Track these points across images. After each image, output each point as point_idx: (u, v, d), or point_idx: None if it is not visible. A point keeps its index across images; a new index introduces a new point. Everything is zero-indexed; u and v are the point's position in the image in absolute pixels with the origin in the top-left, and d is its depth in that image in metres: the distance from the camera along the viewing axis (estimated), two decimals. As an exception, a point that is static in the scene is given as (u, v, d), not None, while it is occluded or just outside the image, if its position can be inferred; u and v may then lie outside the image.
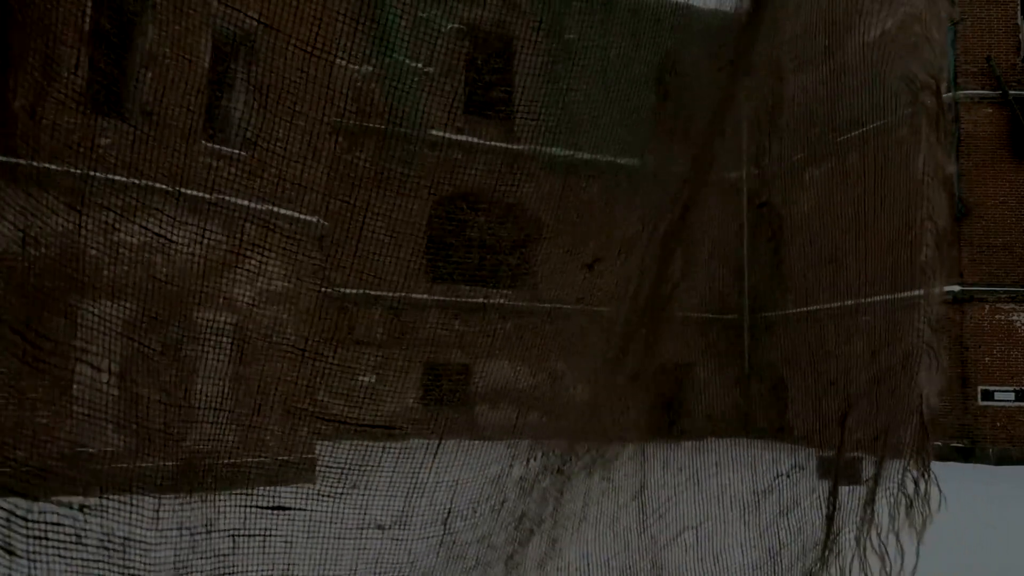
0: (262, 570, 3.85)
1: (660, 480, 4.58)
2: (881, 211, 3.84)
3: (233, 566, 3.80)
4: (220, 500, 3.92)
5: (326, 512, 4.01)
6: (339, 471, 4.19)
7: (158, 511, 3.55)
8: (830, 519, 3.86)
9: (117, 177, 3.80)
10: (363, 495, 4.14)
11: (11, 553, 2.81)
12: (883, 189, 3.81)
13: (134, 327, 3.73)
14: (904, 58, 3.34)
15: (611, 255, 4.31)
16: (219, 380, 4.36)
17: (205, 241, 3.86)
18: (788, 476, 4.20)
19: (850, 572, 3.62)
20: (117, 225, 3.46)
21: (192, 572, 3.65)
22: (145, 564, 3.43)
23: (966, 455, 18.36)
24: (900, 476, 3.53)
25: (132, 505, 3.42)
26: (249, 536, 3.89)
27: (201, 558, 3.70)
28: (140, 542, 3.38)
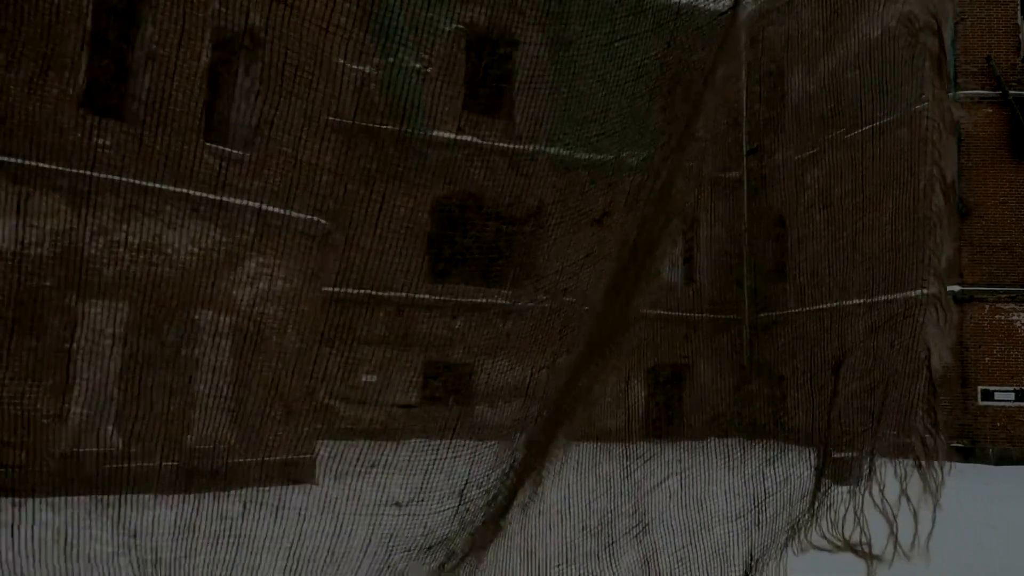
0: (272, 537, 3.85)
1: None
2: (888, 179, 3.72)
3: (240, 531, 3.80)
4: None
5: (342, 488, 4.05)
6: (357, 453, 4.21)
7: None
8: (819, 471, 3.82)
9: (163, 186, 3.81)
10: (383, 473, 4.17)
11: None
12: (889, 163, 3.72)
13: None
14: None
15: (618, 208, 4.28)
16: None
17: (222, 242, 3.87)
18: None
19: (843, 527, 3.55)
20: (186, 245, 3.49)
21: (195, 532, 3.65)
22: (144, 521, 3.45)
23: (966, 455, 18.37)
24: (905, 434, 3.41)
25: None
26: (260, 505, 3.91)
27: (206, 519, 3.71)
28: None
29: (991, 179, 19.52)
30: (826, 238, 4.36)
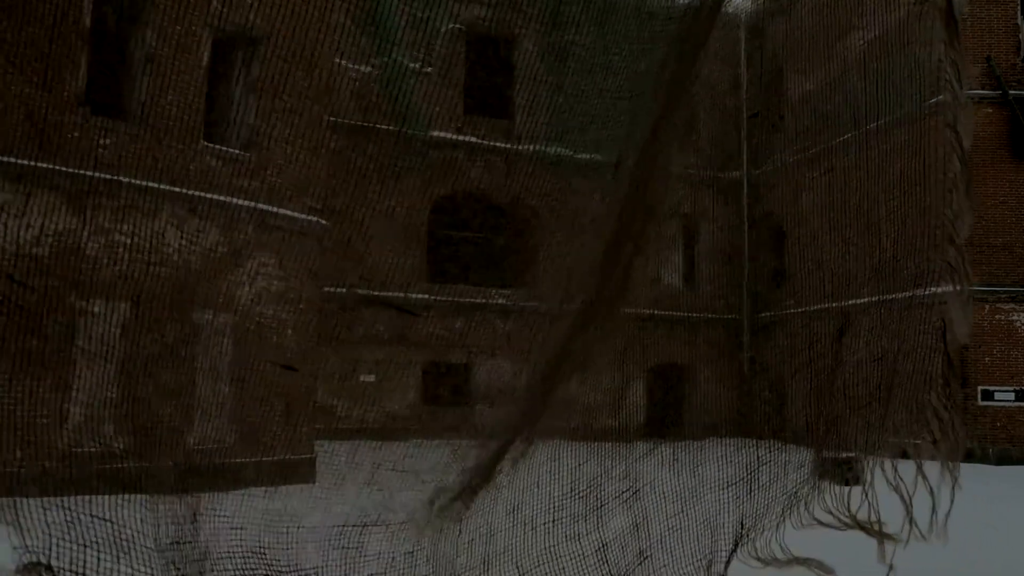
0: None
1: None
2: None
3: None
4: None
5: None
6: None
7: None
8: (821, 440, 3.73)
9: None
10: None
11: None
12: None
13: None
14: None
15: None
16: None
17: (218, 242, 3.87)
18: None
19: (847, 500, 3.44)
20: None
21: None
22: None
23: (966, 455, 18.33)
24: (919, 409, 3.21)
25: None
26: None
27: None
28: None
29: (991, 179, 19.50)
30: (829, 217, 4.22)
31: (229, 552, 3.55)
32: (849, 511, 3.41)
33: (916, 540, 3.19)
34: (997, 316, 19.27)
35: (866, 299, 3.65)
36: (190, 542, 3.37)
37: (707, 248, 20.37)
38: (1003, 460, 18.48)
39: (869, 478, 3.33)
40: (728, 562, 3.99)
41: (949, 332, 3.13)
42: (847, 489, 3.44)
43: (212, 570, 3.45)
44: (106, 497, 3.35)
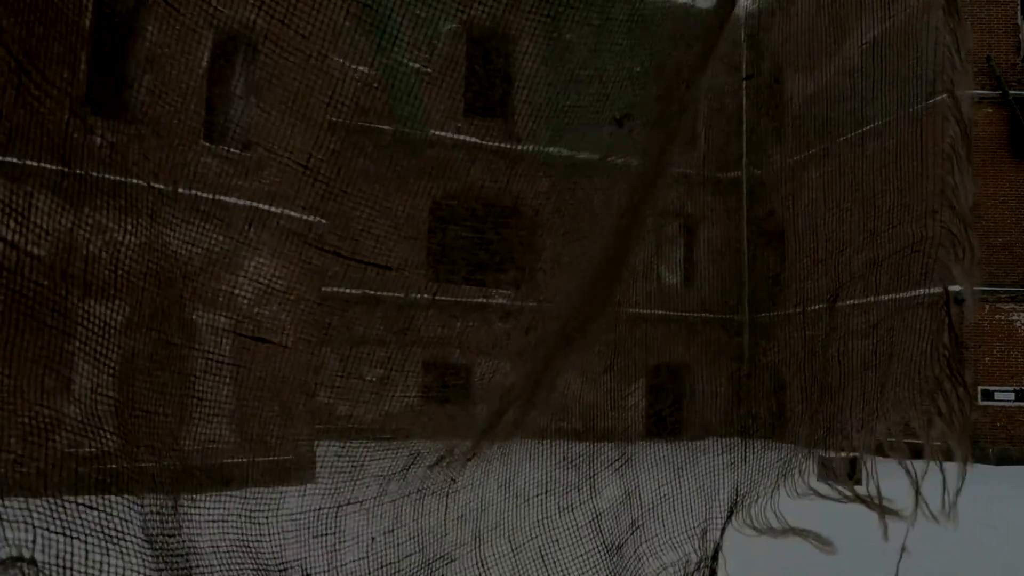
0: None
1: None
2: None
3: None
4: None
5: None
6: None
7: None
8: (816, 408, 3.64)
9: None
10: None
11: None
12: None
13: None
14: None
15: (640, 112, 4.13)
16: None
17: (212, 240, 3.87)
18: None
19: (846, 471, 3.33)
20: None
21: None
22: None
23: (966, 455, 18.33)
24: (921, 382, 3.06)
25: None
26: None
27: None
28: None
29: (991, 179, 19.52)
30: (824, 188, 4.12)
31: (213, 546, 3.47)
32: (848, 482, 3.28)
33: (924, 519, 2.99)
34: (997, 316, 19.28)
35: (861, 264, 3.55)
36: (174, 535, 3.29)
37: (707, 248, 20.37)
38: (1003, 460, 18.49)
39: (867, 446, 3.20)
40: (724, 529, 3.92)
41: (952, 303, 3.01)
42: (845, 458, 3.31)
43: (198, 565, 3.37)
44: (93, 491, 3.27)
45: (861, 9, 3.73)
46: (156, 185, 3.36)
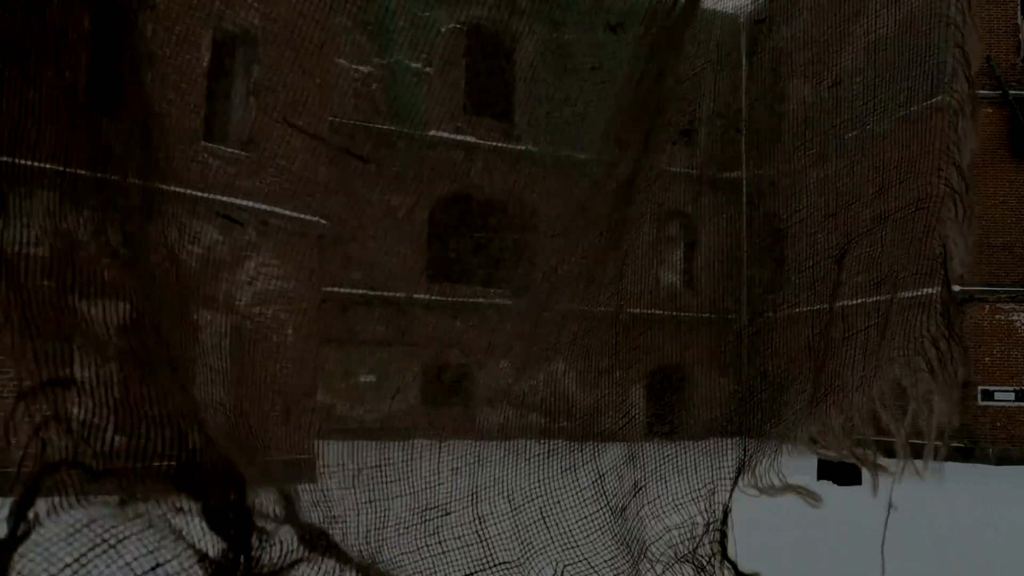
0: None
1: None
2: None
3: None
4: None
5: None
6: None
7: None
8: (819, 367, 3.55)
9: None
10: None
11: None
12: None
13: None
14: None
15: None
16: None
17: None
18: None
19: (838, 430, 3.29)
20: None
21: None
22: None
23: (966, 455, 18.36)
24: (917, 337, 3.02)
25: None
26: None
27: None
28: None
29: (991, 179, 19.51)
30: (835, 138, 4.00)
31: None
32: (846, 441, 3.25)
33: (911, 477, 2.99)
34: (997, 316, 19.28)
35: (869, 219, 3.51)
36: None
37: (707, 248, 20.38)
38: (1003, 460, 18.49)
39: (861, 404, 3.18)
40: (732, 491, 3.76)
41: (949, 259, 3.01)
42: (839, 421, 3.28)
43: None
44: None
45: None
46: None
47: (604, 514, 3.92)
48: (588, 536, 3.89)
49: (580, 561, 3.84)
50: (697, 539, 3.77)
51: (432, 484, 3.85)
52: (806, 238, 3.85)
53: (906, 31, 3.45)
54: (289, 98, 4.37)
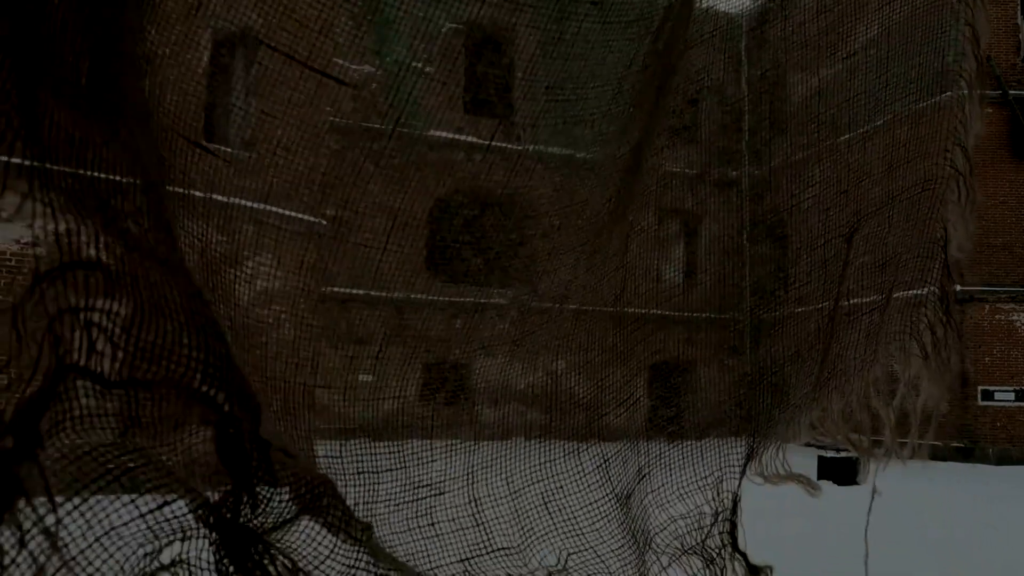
0: None
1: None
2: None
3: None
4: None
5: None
6: None
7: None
8: (825, 349, 3.51)
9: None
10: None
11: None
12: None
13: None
14: None
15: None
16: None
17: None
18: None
19: (838, 417, 3.27)
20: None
21: None
22: None
23: (966, 455, 18.36)
24: (913, 321, 3.00)
25: None
26: None
27: None
28: None
29: (991, 179, 19.52)
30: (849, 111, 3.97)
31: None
32: (841, 424, 3.22)
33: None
34: (997, 316, 19.29)
35: (879, 197, 3.49)
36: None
37: (708, 246, 20.38)
38: (1003, 460, 18.49)
39: (861, 389, 3.16)
40: (741, 479, 3.65)
41: (949, 245, 2.99)
42: (838, 408, 3.26)
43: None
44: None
45: None
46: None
47: (610, 501, 3.81)
48: (593, 524, 3.76)
49: (586, 549, 3.72)
50: (706, 530, 3.66)
51: (424, 460, 3.73)
52: (818, 215, 3.79)
53: (919, 5, 3.42)
54: (285, 96, 4.38)
